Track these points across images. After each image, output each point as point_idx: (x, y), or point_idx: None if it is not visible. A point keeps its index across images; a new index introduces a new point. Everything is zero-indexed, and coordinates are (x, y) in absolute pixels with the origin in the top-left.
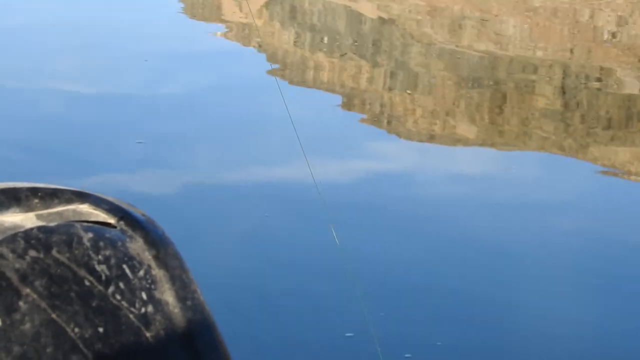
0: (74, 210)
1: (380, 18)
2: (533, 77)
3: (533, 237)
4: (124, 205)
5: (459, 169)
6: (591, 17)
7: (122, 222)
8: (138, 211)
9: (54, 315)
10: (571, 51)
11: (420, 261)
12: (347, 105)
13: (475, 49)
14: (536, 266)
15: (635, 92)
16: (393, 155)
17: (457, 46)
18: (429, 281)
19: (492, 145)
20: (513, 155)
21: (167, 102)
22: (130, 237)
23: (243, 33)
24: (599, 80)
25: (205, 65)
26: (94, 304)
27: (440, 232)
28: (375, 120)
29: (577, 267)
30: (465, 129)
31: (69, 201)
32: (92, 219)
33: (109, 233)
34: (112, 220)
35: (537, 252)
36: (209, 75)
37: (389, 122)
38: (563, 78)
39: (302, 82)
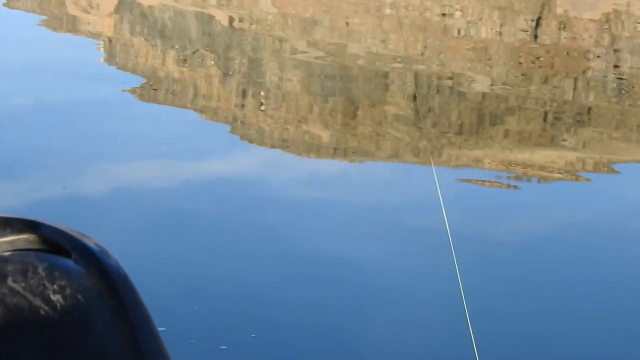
0: (26, 240)
1: (231, 24)
2: (385, 80)
3: (383, 240)
4: (77, 235)
5: (311, 174)
6: (441, 16)
7: (75, 252)
8: (91, 241)
9: (9, 346)
10: (422, 53)
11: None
12: (201, 111)
13: (327, 53)
14: (374, 270)
15: (486, 90)
16: (246, 161)
17: (308, 51)
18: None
19: (346, 149)
20: (366, 160)
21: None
22: (85, 266)
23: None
24: (450, 79)
25: (53, 80)
26: (49, 334)
27: (285, 238)
28: (230, 126)
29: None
30: (318, 134)
31: (21, 230)
32: (45, 247)
33: (64, 262)
34: (65, 250)
35: (387, 261)
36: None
37: (242, 128)
38: (415, 79)
39: (154, 95)
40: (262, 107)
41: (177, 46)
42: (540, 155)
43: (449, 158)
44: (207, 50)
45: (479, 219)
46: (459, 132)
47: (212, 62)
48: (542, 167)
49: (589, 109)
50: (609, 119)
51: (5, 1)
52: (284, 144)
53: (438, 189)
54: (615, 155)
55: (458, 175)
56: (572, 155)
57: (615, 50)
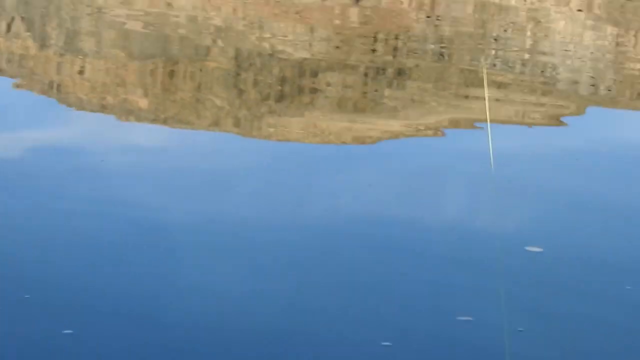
0: None
1: None
2: (205, 47)
3: (200, 210)
4: None
5: (129, 140)
6: None
7: None
8: None
9: None
10: (244, 17)
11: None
12: (18, 77)
13: (146, 22)
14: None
15: (307, 56)
16: (64, 126)
17: (128, 16)
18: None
19: (165, 117)
20: (186, 127)
21: None
22: None
23: None
24: (268, 42)
25: None
26: None
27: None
28: (45, 91)
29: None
30: (137, 100)
31: None
32: None
33: None
34: None
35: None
36: None
37: (58, 92)
38: (235, 45)
39: None
40: (81, 74)
41: None
42: (362, 119)
43: (268, 127)
44: (22, 19)
45: (296, 180)
46: (280, 100)
47: (28, 30)
48: (364, 131)
49: (409, 69)
50: (428, 78)
51: None
52: (104, 110)
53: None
54: (434, 115)
55: (275, 145)
56: (393, 120)
57: (437, 17)
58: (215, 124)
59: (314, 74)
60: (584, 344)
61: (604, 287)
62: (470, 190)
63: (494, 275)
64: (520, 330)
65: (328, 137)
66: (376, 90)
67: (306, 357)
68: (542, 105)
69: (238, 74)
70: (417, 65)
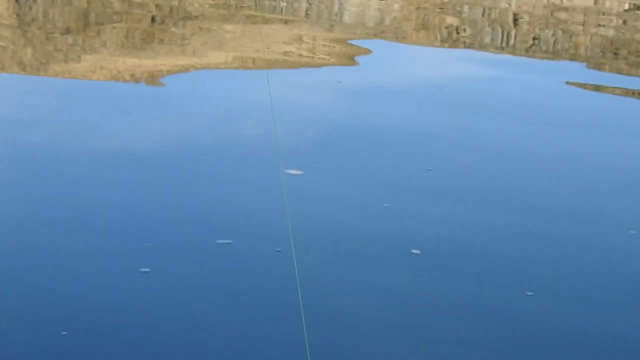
0: None
1: None
2: None
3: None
4: None
5: None
6: None
7: None
8: None
9: None
10: None
11: None
12: None
13: None
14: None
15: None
16: None
17: None
18: None
19: None
20: None
21: None
22: None
23: None
24: None
25: None
26: None
27: None
28: None
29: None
30: None
31: None
32: None
33: None
34: None
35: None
36: None
37: None
38: None
39: None
40: None
41: None
42: (149, 57)
43: (57, 68)
44: None
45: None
46: (65, 37)
47: None
48: (153, 69)
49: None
50: (214, 18)
51: None
52: None
53: None
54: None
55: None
56: (181, 57)
57: None
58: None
59: (100, 13)
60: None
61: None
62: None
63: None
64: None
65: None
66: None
67: None
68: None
69: (19, 14)
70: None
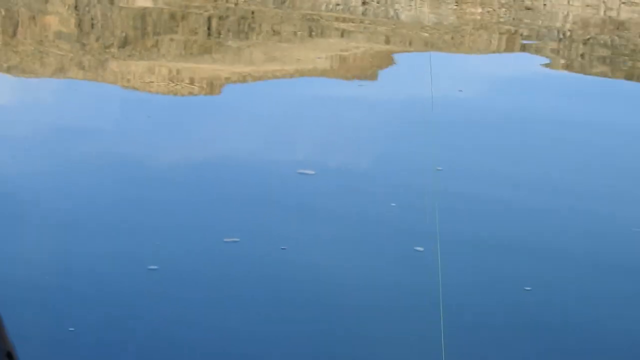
0: None
1: None
2: None
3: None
4: None
5: None
6: None
7: None
8: None
9: None
10: None
11: None
12: None
13: None
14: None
15: (149, 5)
16: None
17: None
18: None
19: (8, 67)
20: (31, 76)
21: None
22: None
23: None
24: None
25: None
26: None
27: None
28: None
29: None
30: None
31: None
32: None
33: None
34: None
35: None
36: None
37: None
38: None
39: None
40: None
41: None
42: (208, 63)
43: (115, 72)
44: None
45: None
46: (123, 46)
47: None
48: (210, 75)
49: (252, 13)
50: (270, 24)
51: None
52: None
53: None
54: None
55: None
56: (236, 64)
57: None
58: (60, 70)
59: (157, 21)
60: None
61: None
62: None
63: None
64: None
65: (183, 77)
66: (220, 33)
67: None
68: None
69: (80, 22)
70: (259, 11)
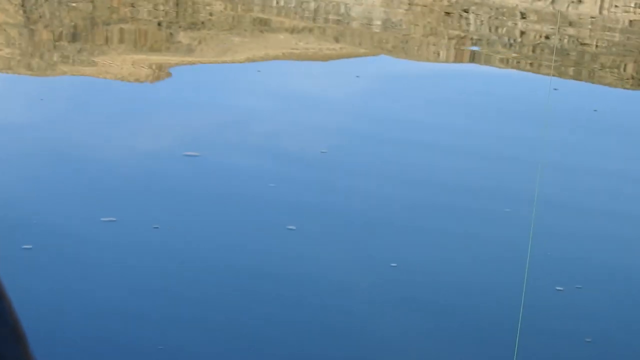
0: None
1: None
2: None
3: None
4: None
5: None
6: None
7: None
8: None
9: None
10: None
11: None
12: None
13: None
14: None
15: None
16: None
17: None
18: None
19: None
20: None
21: None
22: None
23: None
24: None
25: None
26: None
27: None
28: None
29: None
30: None
31: None
32: None
33: None
34: None
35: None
36: None
37: None
38: None
39: None
40: None
41: None
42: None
43: (63, 69)
44: None
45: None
46: (72, 42)
47: None
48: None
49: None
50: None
51: None
52: None
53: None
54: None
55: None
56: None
57: None
58: (7, 68)
59: (106, 17)
60: None
61: None
62: None
63: None
64: None
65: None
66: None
67: None
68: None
69: (28, 20)
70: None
